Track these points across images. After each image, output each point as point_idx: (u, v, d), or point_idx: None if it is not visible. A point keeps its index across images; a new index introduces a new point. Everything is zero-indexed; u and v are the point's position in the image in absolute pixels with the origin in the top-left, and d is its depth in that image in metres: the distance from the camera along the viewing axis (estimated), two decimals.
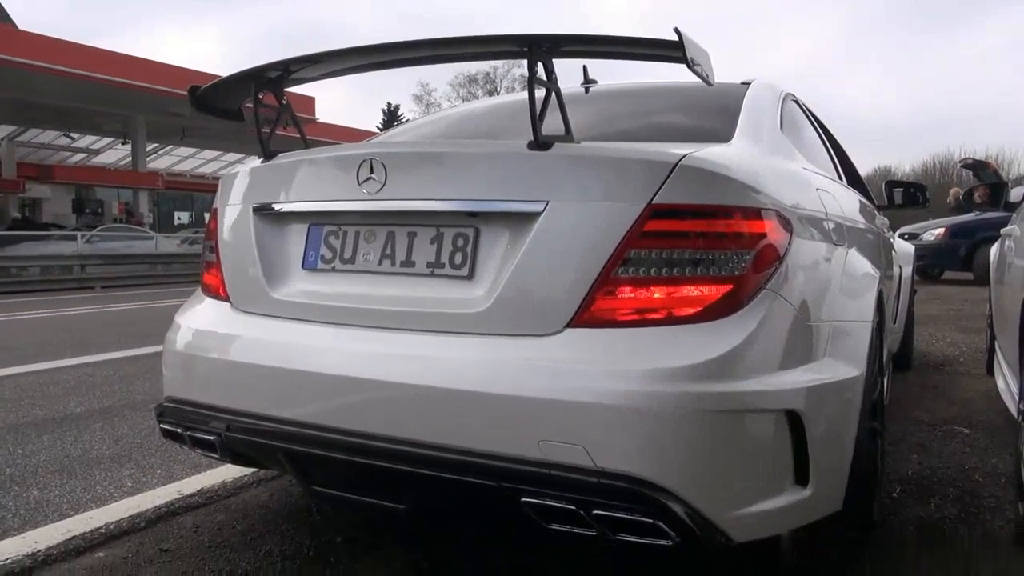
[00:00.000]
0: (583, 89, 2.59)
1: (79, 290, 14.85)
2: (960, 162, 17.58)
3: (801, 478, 1.57)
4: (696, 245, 1.49)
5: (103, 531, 2.12)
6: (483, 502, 1.61)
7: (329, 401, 1.64)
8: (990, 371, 4.04)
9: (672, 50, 1.47)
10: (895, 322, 3.88)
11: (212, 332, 1.89)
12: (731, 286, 1.48)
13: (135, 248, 18.43)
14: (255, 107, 1.89)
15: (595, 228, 1.50)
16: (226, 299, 1.95)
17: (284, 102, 1.94)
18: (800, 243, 1.64)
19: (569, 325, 1.49)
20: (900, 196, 3.74)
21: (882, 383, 2.33)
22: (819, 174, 2.24)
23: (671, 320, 1.47)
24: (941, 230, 10.84)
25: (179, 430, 1.90)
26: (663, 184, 1.48)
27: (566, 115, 1.61)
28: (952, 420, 3.34)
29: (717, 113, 2.10)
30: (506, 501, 1.46)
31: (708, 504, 1.41)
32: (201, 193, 35.30)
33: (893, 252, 3.83)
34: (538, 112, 1.54)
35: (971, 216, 11.31)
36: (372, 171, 1.67)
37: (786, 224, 1.60)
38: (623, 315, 1.48)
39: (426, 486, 1.58)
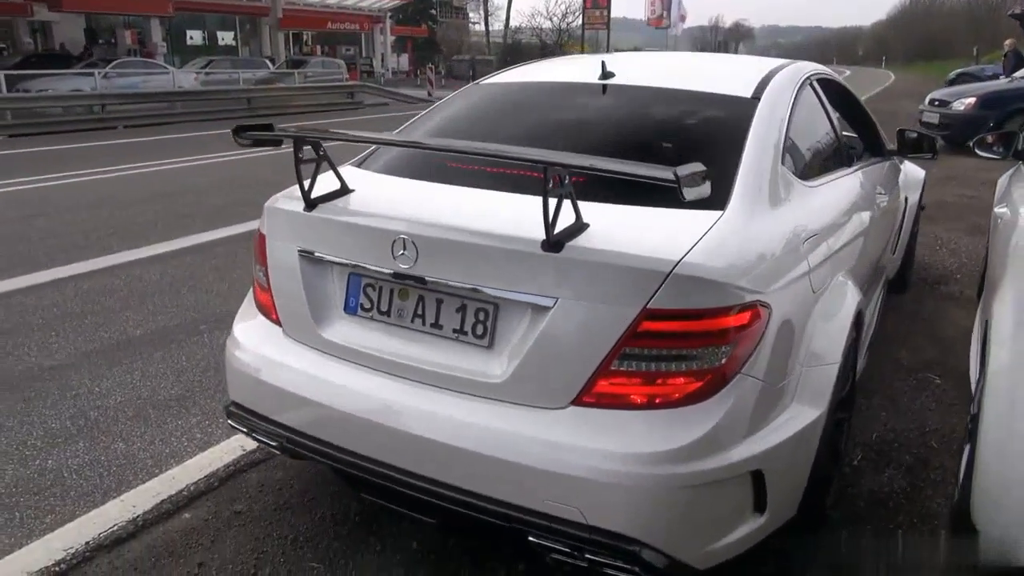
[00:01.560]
0: (600, 87, 2.68)
1: (102, 131, 15.03)
2: (1008, 12, 16.62)
3: (759, 508, 1.92)
4: (684, 344, 1.75)
5: (185, 493, 2.56)
6: (498, 531, 1.99)
7: (371, 439, 1.98)
8: (980, 296, 4.30)
9: (671, 184, 1.64)
10: (894, 252, 4.11)
11: (270, 358, 2.20)
12: (711, 376, 1.76)
13: (153, 84, 18.34)
14: (296, 162, 2.09)
15: (598, 325, 1.75)
16: (278, 323, 2.25)
17: (322, 153, 2.12)
18: (777, 321, 1.88)
19: (572, 403, 1.79)
20: (911, 143, 3.82)
21: (853, 377, 2.61)
22: (818, 203, 2.41)
23: (656, 406, 1.76)
24: (972, 100, 10.59)
25: (244, 430, 2.28)
26: (657, 291, 1.71)
27: (579, 211, 1.80)
28: (929, 365, 3.67)
29: (720, 150, 2.24)
30: (515, 535, 1.85)
31: (680, 550, 1.78)
32: (212, 13, 34.03)
33: (897, 183, 3.97)
34: (551, 218, 1.74)
35: (1003, 84, 10.99)
36: (405, 248, 1.90)
37: (766, 309, 1.84)
38: (616, 400, 1.77)
39: (452, 511, 1.95)
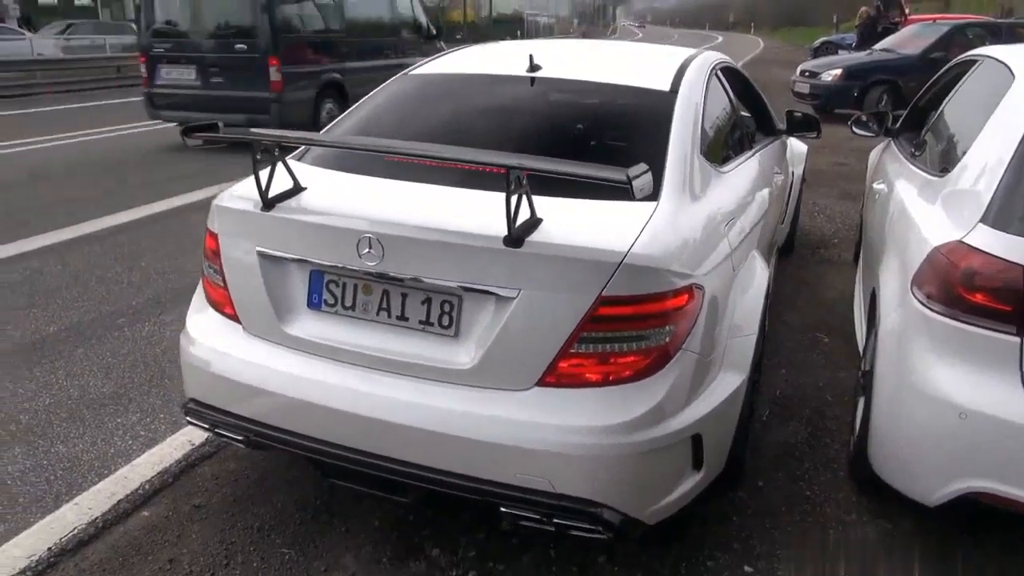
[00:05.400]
0: (529, 79, 2.83)
1: None
2: None
3: (697, 466, 2.18)
4: (634, 326, 1.95)
5: (140, 492, 2.58)
6: (471, 504, 2.16)
7: (343, 428, 2.09)
8: (856, 259, 4.78)
9: (623, 185, 1.81)
10: (783, 222, 4.50)
11: (232, 355, 2.25)
12: (657, 353, 1.98)
13: (7, 51, 16.90)
14: (254, 164, 2.13)
15: (558, 312, 1.93)
16: (235, 320, 2.30)
17: (276, 152, 2.17)
18: (708, 300, 2.12)
19: (537, 384, 1.97)
20: (798, 122, 4.21)
21: (763, 341, 2.93)
22: (730, 187, 2.67)
23: (611, 382, 1.97)
24: (838, 71, 11.47)
25: (206, 426, 2.33)
26: (610, 279, 1.91)
27: (534, 207, 1.96)
28: (816, 326, 4.08)
29: (648, 144, 2.45)
30: (488, 507, 2.02)
31: (633, 508, 2.01)
32: None
33: (785, 158, 4.35)
34: (512, 215, 1.89)
35: (864, 56, 11.95)
36: (371, 246, 2.01)
37: (700, 290, 2.08)
38: (576, 379, 1.97)
39: (424, 490, 2.10)
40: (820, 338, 3.94)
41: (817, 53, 21.30)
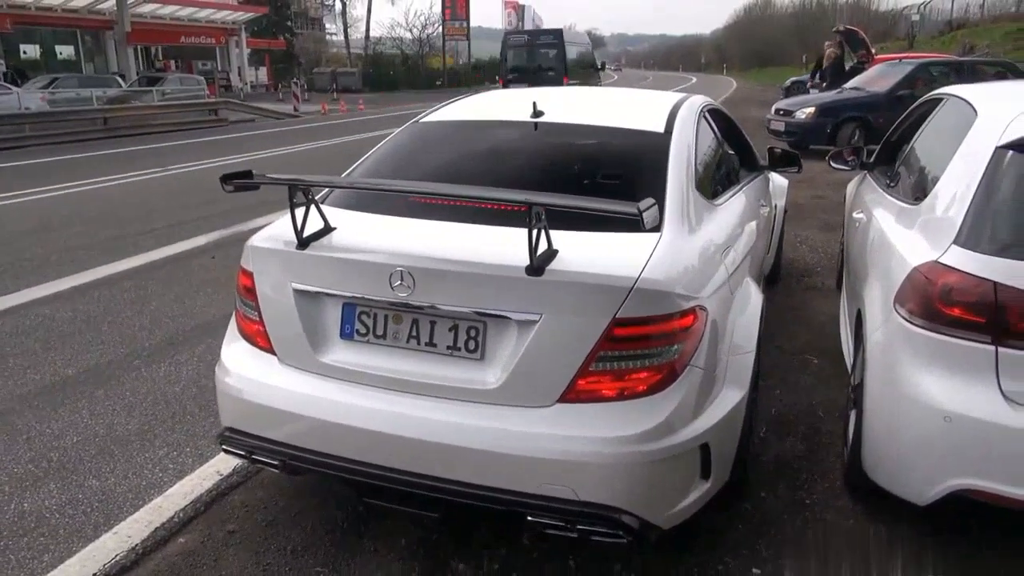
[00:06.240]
0: (533, 124, 3.05)
1: None
2: (833, 29, 18.68)
3: (705, 475, 2.35)
4: (646, 345, 2.14)
5: (176, 519, 2.70)
6: (497, 515, 2.30)
7: (378, 448, 2.24)
8: (839, 286, 5.01)
9: (634, 217, 2.01)
10: (768, 252, 4.74)
11: (268, 384, 2.40)
12: (667, 370, 2.16)
13: None
14: (291, 204, 2.32)
15: (577, 334, 2.12)
16: (270, 351, 2.46)
17: (310, 197, 2.36)
18: (711, 321, 2.32)
19: (558, 401, 2.15)
20: (779, 158, 4.47)
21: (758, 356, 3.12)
22: (723, 219, 2.89)
23: (626, 397, 2.14)
24: (811, 109, 11.95)
25: (242, 453, 2.47)
26: (623, 303, 2.10)
27: (551, 240, 2.15)
28: (806, 349, 4.28)
29: (647, 178, 2.66)
30: (515, 516, 2.17)
31: (650, 514, 2.17)
32: (49, 27, 31.81)
33: (769, 192, 4.60)
34: (533, 247, 2.08)
35: (835, 96, 12.47)
36: (402, 279, 2.19)
37: (704, 312, 2.27)
38: (594, 395, 2.14)
39: (454, 504, 2.25)
40: (810, 360, 4.13)
41: (789, 92, 22.00)
